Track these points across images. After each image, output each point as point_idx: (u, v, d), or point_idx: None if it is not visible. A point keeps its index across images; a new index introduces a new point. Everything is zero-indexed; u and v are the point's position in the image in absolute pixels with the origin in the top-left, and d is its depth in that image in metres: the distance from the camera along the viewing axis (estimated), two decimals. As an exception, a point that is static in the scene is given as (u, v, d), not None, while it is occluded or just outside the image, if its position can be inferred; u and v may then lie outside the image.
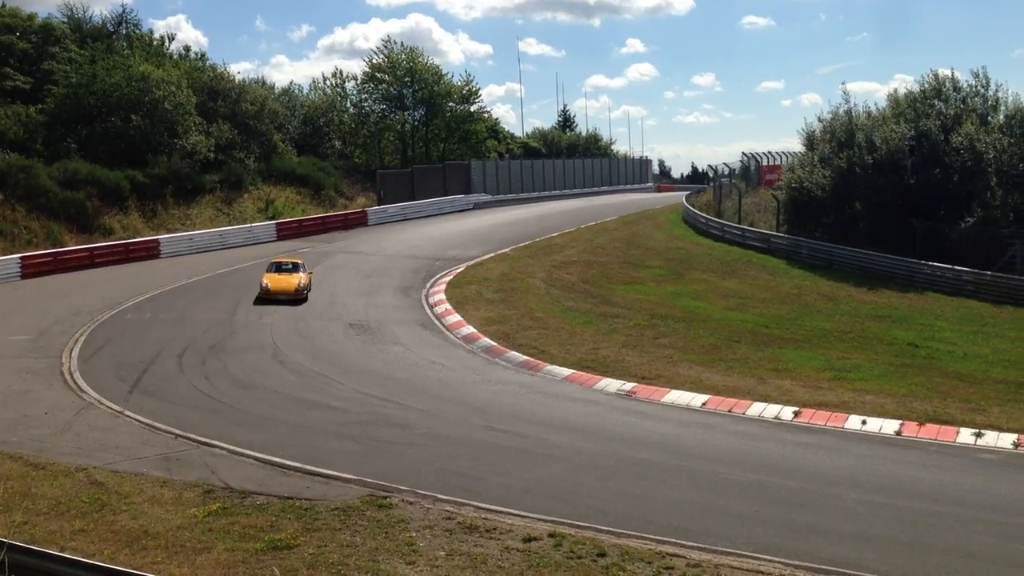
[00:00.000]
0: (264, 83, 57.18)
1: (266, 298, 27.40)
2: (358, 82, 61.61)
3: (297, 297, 27.60)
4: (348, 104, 61.36)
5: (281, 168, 49.08)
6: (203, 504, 12.60)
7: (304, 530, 11.67)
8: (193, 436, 15.89)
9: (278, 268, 28.97)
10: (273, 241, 41.63)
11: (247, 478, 13.89)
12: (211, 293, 29.79)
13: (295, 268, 28.95)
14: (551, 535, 11.63)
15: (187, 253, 38.32)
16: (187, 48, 55.11)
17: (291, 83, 60.83)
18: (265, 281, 27.93)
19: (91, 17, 50.43)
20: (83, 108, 42.02)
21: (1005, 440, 16.39)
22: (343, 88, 61.91)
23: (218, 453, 15.12)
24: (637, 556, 11.07)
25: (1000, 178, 32.98)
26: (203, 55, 54.70)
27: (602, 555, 11.03)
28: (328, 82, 62.28)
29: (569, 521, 12.18)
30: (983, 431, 16.75)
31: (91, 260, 35.25)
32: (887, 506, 13.18)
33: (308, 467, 14.28)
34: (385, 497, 12.99)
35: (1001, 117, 35.39)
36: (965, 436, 16.65)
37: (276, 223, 43.47)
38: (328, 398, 18.69)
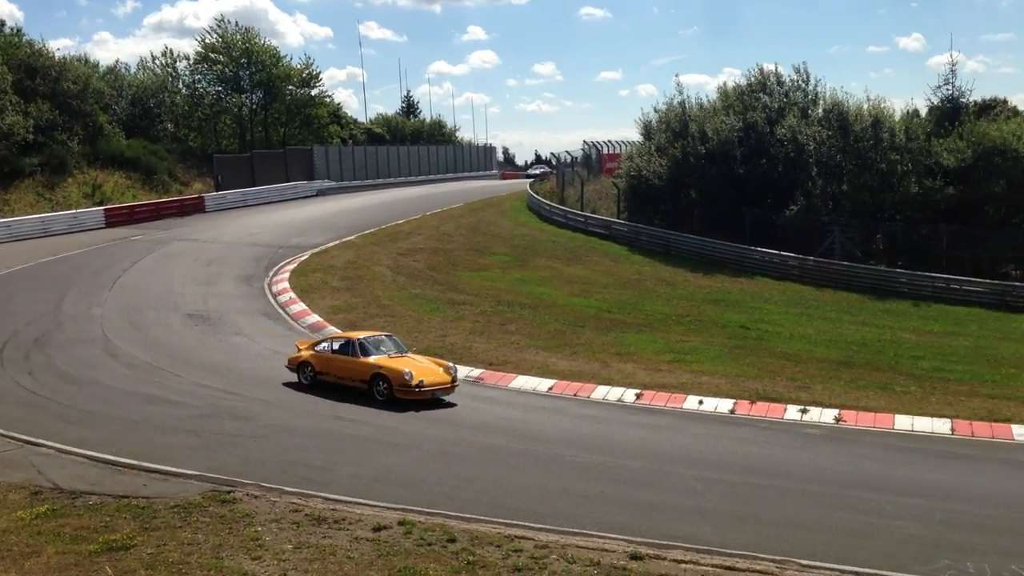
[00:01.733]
0: (87, 61, 54.21)
1: (410, 397, 17.60)
2: (190, 62, 59.28)
3: (453, 390, 18.38)
4: (180, 85, 58.93)
5: (109, 151, 46.56)
6: (30, 506, 11.86)
7: (141, 529, 11.17)
8: (17, 435, 14.93)
9: (373, 350, 18.58)
10: (102, 228, 39.47)
11: (78, 478, 13.18)
12: (34, 283, 28.00)
13: (396, 345, 19.21)
14: (401, 523, 11.58)
15: (5, 241, 35.81)
16: (1, 23, 51.44)
17: (117, 62, 57.56)
18: (405, 370, 17.77)
19: None
20: None
21: (828, 415, 17.54)
22: (174, 68, 59.33)
23: (45, 452, 14.26)
24: (487, 540, 11.17)
25: (820, 168, 34.99)
26: (19, 30, 50.87)
27: (452, 541, 11.07)
28: (158, 61, 59.55)
29: (418, 509, 12.16)
30: (808, 407, 17.88)
31: None
32: (722, 482, 13.83)
33: (145, 464, 13.68)
34: (229, 492, 12.60)
35: (820, 111, 37.51)
36: (792, 412, 17.73)
37: (104, 209, 41.24)
38: (166, 392, 17.94)
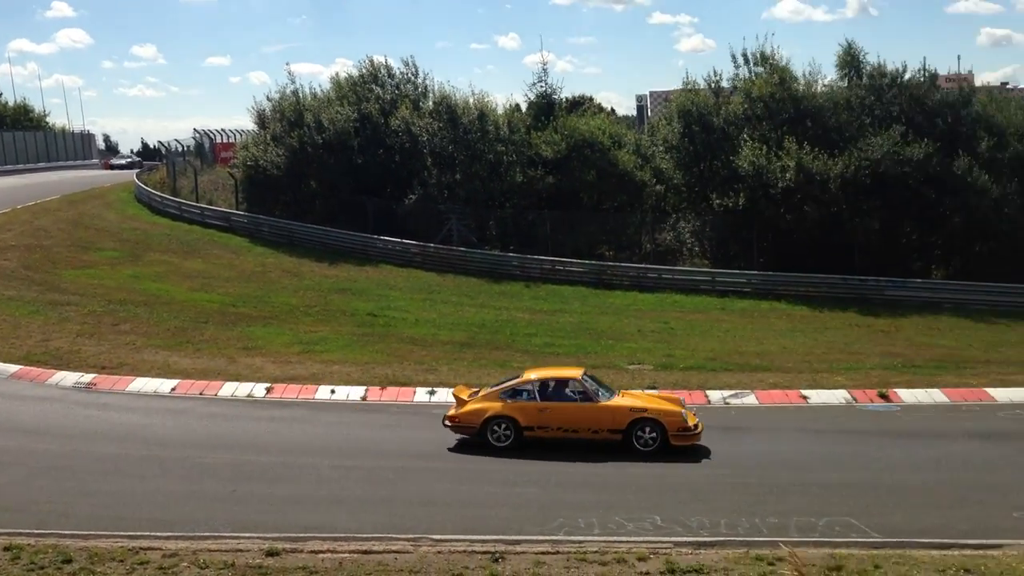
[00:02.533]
0: None
1: (685, 444, 14.75)
2: None
3: None
4: None
5: None
6: None
7: None
8: None
9: (603, 389, 15.63)
10: None
11: None
12: None
13: (596, 379, 16.19)
14: (6, 549, 10.48)
15: None
16: None
17: None
18: (682, 411, 15.04)
19: None
20: None
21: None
22: None
23: None
24: (108, 556, 10.44)
25: (434, 159, 36.34)
26: None
27: (68, 561, 10.23)
28: None
29: (27, 531, 11.13)
30: (435, 389, 18.74)
31: None
32: (357, 468, 14.10)
33: None
34: None
35: (431, 103, 38.92)
36: (421, 395, 18.49)
37: None
38: None
